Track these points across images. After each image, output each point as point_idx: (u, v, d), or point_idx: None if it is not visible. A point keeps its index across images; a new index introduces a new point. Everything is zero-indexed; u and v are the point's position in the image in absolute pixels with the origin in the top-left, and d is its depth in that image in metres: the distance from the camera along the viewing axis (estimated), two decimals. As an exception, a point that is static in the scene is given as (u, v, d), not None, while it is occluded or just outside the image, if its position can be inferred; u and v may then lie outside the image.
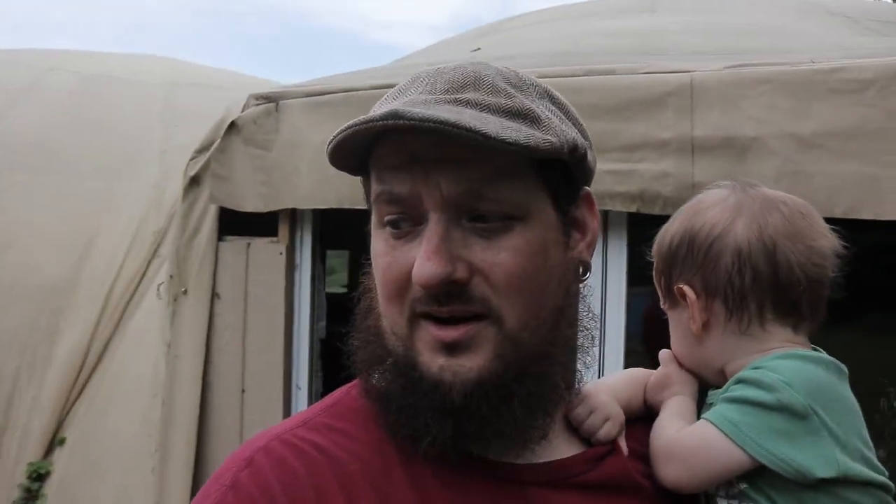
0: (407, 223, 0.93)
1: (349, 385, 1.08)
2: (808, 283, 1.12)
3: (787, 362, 1.09)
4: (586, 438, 1.06)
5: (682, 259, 1.16)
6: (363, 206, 2.80)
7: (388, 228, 0.95)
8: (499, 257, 0.91)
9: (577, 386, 1.06)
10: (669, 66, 2.48)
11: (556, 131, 0.96)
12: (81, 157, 5.32)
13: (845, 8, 4.55)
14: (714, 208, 1.16)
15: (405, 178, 0.92)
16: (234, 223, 2.97)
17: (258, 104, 2.82)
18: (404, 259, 0.92)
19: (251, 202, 2.83)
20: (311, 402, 2.89)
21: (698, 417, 1.13)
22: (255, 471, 0.92)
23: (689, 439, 1.09)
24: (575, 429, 1.06)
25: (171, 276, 3.01)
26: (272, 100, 2.81)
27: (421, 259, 0.89)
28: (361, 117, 0.90)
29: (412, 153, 0.91)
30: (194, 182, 2.93)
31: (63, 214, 4.97)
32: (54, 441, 4.30)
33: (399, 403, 0.93)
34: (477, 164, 0.91)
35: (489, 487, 0.96)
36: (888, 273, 3.04)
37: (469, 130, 0.87)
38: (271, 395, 2.85)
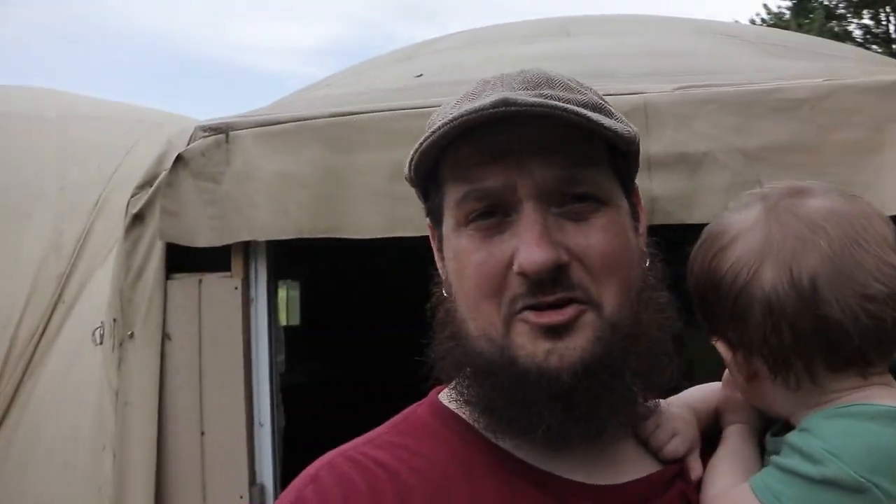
0: (497, 215, 0.95)
1: (418, 403, 1.11)
2: (865, 335, 0.91)
3: (837, 424, 0.91)
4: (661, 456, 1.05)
5: (711, 305, 1.02)
6: (324, 235, 2.79)
7: (472, 226, 0.96)
8: (591, 240, 0.95)
9: (663, 364, 1.02)
10: (625, 88, 2.59)
11: (626, 123, 1.03)
12: (-31, 197, 4.99)
13: (734, 31, 4.87)
14: (737, 245, 0.99)
15: (497, 170, 0.94)
16: (181, 260, 2.86)
17: (206, 136, 2.74)
18: (499, 252, 0.94)
19: (204, 237, 2.74)
20: (274, 438, 2.81)
21: (763, 451, 1.02)
22: (319, 486, 0.95)
23: None
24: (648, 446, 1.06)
25: (114, 320, 2.86)
26: (221, 131, 2.74)
27: (528, 245, 0.91)
28: (466, 108, 0.92)
29: (501, 146, 0.94)
30: (138, 219, 2.81)
31: (-48, 259, 4.64)
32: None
33: (504, 400, 0.94)
34: (566, 152, 0.95)
35: None
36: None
37: (577, 115, 0.91)
38: (233, 435, 2.76)
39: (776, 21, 22.21)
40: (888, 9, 21.71)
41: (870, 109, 2.51)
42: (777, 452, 0.96)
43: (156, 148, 3.25)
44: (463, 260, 0.97)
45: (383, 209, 2.52)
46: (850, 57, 4.78)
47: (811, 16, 21.25)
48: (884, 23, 22.30)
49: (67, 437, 3.66)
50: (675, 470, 1.04)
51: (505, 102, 0.90)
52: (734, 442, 1.04)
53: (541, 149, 0.94)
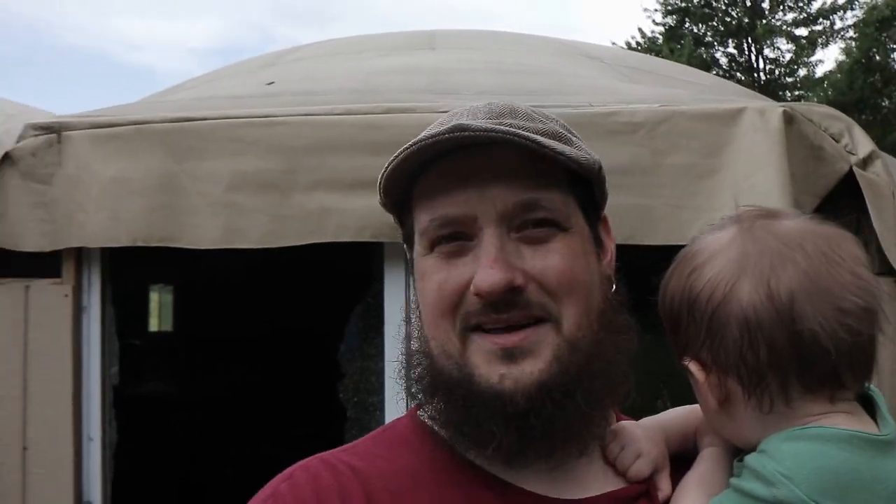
0: (460, 241, 0.99)
1: (398, 417, 1.15)
2: (841, 351, 0.91)
3: (792, 446, 0.91)
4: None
5: (685, 326, 1.00)
6: (158, 244, 2.72)
7: (437, 249, 1.00)
8: (548, 261, 0.98)
9: (626, 383, 1.04)
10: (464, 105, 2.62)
11: (587, 151, 1.08)
12: None
13: (599, 53, 5.04)
14: (713, 263, 0.98)
15: (459, 198, 0.98)
16: (6, 264, 2.70)
17: (37, 135, 2.60)
18: (458, 274, 0.98)
19: (31, 241, 2.59)
20: (104, 453, 2.69)
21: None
22: (293, 483, 1.01)
23: None
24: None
25: (-70, 327, 2.67)
26: (53, 130, 2.61)
27: (483, 268, 0.95)
28: (423, 134, 0.97)
29: (465, 174, 0.98)
30: (-41, 220, 2.63)
31: None
32: None
33: (460, 416, 0.98)
34: (524, 176, 0.99)
35: None
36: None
37: (528, 139, 0.95)
38: (60, 450, 2.62)
39: (650, 45, 23.19)
40: (750, 39, 23.04)
41: (704, 135, 2.61)
42: (739, 475, 0.96)
43: (6, 142, 3.06)
44: (426, 280, 1.01)
45: (220, 221, 2.46)
46: (704, 84, 5.04)
47: (682, 42, 22.29)
48: (746, 52, 23.65)
49: None
50: (640, 489, 1.05)
51: (459, 128, 0.94)
52: (705, 464, 1.04)
53: (500, 174, 0.97)
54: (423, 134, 0.97)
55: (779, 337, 0.90)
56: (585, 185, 1.07)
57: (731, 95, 4.00)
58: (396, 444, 1.07)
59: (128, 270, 3.04)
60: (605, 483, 1.05)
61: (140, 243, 2.51)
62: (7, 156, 2.59)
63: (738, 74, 22.44)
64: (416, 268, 1.05)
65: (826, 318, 0.90)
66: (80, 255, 2.68)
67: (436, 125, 1.04)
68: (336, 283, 4.11)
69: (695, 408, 1.09)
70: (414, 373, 1.05)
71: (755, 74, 22.52)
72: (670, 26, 23.61)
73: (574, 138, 1.09)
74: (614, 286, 1.09)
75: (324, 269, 4.34)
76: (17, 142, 2.62)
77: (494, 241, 0.96)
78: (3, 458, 2.61)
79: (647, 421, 1.12)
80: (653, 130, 2.65)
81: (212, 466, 5.22)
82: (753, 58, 23.33)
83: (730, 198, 2.59)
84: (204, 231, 2.48)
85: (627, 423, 1.11)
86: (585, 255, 1.03)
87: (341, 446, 1.09)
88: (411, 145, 0.97)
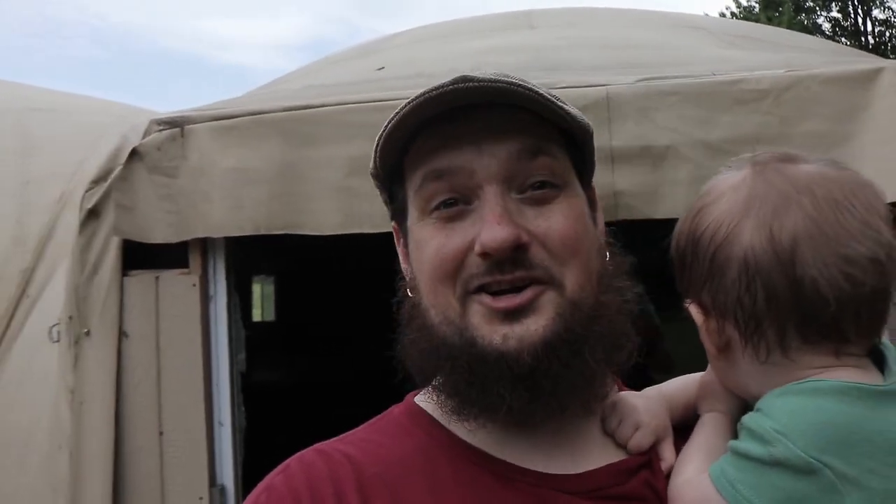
0: (458, 204, 0.96)
1: (396, 404, 1.13)
2: (842, 302, 0.86)
3: (787, 401, 0.87)
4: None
5: (689, 266, 0.98)
6: (281, 232, 2.73)
7: (434, 214, 0.98)
8: (551, 222, 0.96)
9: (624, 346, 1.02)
10: (584, 80, 2.57)
11: (580, 114, 1.04)
12: (-74, 191, 4.87)
13: (702, 23, 4.87)
14: (720, 202, 0.95)
15: (455, 155, 0.96)
16: (138, 256, 2.80)
17: (161, 130, 2.68)
18: (459, 238, 0.95)
19: (160, 233, 2.68)
20: (234, 438, 2.77)
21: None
22: (289, 475, 1.00)
23: (689, 494, 0.94)
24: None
25: (70, 317, 2.80)
26: (177, 125, 2.68)
27: (489, 225, 0.92)
28: (427, 88, 0.93)
29: (459, 134, 0.96)
30: (93, 214, 2.75)
31: None
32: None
33: (467, 382, 0.96)
34: (523, 136, 0.97)
35: (509, 495, 0.97)
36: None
37: (532, 91, 0.93)
38: (192, 435, 2.71)
39: (746, 15, 22.36)
40: (856, 2, 21.93)
41: (835, 100, 2.48)
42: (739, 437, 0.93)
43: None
44: (424, 247, 0.98)
45: (341, 205, 2.47)
46: (816, 49, 4.80)
47: (780, 9, 21.40)
48: (852, 16, 22.52)
49: (23, 437, 3.58)
50: (641, 460, 1.03)
51: (464, 79, 0.92)
52: (706, 430, 1.01)
53: (498, 134, 0.96)
54: (421, 91, 0.94)
55: (777, 282, 0.87)
56: (578, 150, 1.05)
57: (852, 58, 3.80)
58: (391, 430, 1.07)
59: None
60: (605, 455, 1.03)
61: (263, 231, 2.56)
62: (135, 151, 2.68)
63: (843, 39, 21.39)
64: (412, 237, 1.02)
65: (827, 265, 0.85)
66: (205, 246, 2.75)
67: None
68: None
69: (695, 376, 1.08)
70: (410, 349, 1.03)
71: (862, 39, 21.42)
72: (768, -7, 22.70)
73: (569, 106, 1.05)
74: (608, 254, 1.06)
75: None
76: (143, 137, 2.70)
77: (498, 200, 0.94)
78: (141, 442, 2.71)
79: (649, 391, 1.09)
80: (779, 97, 2.53)
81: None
82: (860, 21, 22.18)
83: (867, 165, 2.45)
84: (325, 217, 2.50)
85: (626, 394, 1.08)
86: (584, 216, 1.02)
87: (338, 436, 1.09)
88: (413, 100, 0.94)
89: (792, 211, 0.89)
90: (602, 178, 2.54)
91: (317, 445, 1.06)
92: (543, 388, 0.93)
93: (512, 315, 0.93)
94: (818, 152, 2.45)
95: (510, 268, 0.93)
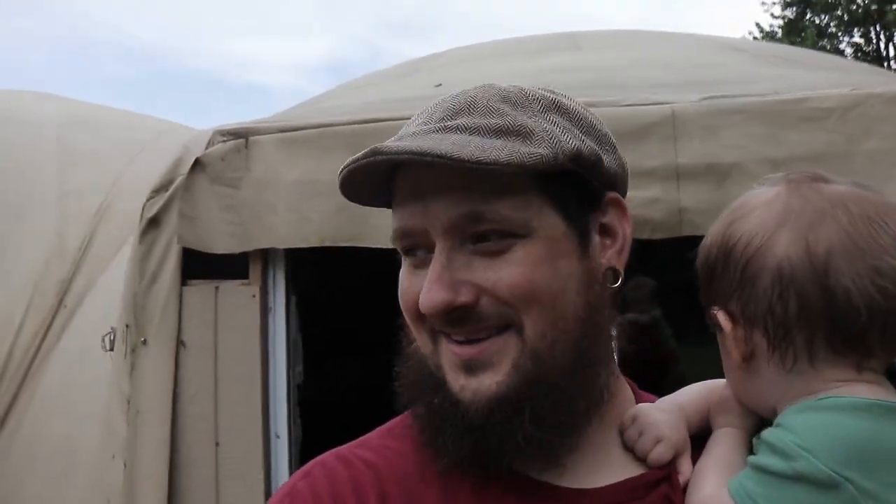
0: (422, 251, 0.98)
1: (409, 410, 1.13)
2: (872, 313, 0.89)
3: (809, 417, 0.89)
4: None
5: (718, 276, 0.98)
6: (346, 244, 2.71)
7: (405, 258, 1.00)
8: (501, 273, 0.94)
9: (604, 394, 1.01)
10: (650, 98, 2.57)
11: (550, 143, 0.96)
12: (-30, 202, 4.92)
13: (740, 45, 4.87)
14: (755, 214, 0.97)
15: (413, 212, 0.97)
16: (195, 266, 2.81)
17: (225, 140, 2.70)
18: (418, 285, 0.96)
19: (222, 243, 2.69)
20: (291, 451, 2.76)
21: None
22: (311, 480, 1.02)
23: None
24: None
25: (126, 326, 2.81)
26: (241, 136, 2.70)
27: (426, 287, 0.94)
28: (350, 158, 0.95)
29: (414, 187, 0.97)
30: (153, 223, 2.76)
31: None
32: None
33: (427, 421, 0.99)
34: (472, 189, 0.94)
35: None
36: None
37: (441, 157, 0.90)
38: (249, 447, 2.70)
39: (769, 40, 22.37)
40: (878, 27, 21.92)
41: (897, 119, 2.49)
42: (756, 453, 0.95)
43: (159, 156, 3.19)
44: (399, 286, 1.02)
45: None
46: (853, 69, 4.80)
47: (803, 34, 21.40)
48: (874, 41, 22.50)
49: (66, 445, 3.59)
50: (661, 474, 1.02)
51: (373, 152, 0.92)
52: (722, 446, 1.01)
53: (443, 189, 0.94)
54: (353, 157, 0.94)
55: (810, 291, 0.90)
56: (566, 175, 0.97)
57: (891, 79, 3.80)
58: (406, 437, 1.06)
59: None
60: (624, 469, 1.01)
61: (328, 243, 2.56)
62: (198, 161, 2.69)
63: (866, 65, 21.35)
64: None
65: (860, 276, 0.89)
66: (266, 258, 2.75)
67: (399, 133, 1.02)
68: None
69: (706, 384, 1.08)
70: (406, 372, 1.04)
71: (884, 64, 21.38)
72: (790, 19, 22.71)
73: (550, 125, 0.98)
74: (620, 278, 1.01)
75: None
76: (206, 148, 2.71)
77: (441, 258, 0.94)
78: (197, 453, 2.71)
79: (666, 402, 1.08)
80: (844, 116, 2.54)
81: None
82: (882, 46, 22.16)
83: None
84: (388, 230, 2.50)
85: (645, 406, 1.06)
86: (552, 258, 0.95)
87: (355, 440, 1.09)
88: (344, 168, 0.95)
89: (827, 224, 0.92)
90: (667, 194, 2.53)
91: (336, 450, 1.07)
92: (488, 444, 0.94)
93: (469, 367, 0.95)
94: (882, 169, 2.48)
95: (458, 323, 0.94)
